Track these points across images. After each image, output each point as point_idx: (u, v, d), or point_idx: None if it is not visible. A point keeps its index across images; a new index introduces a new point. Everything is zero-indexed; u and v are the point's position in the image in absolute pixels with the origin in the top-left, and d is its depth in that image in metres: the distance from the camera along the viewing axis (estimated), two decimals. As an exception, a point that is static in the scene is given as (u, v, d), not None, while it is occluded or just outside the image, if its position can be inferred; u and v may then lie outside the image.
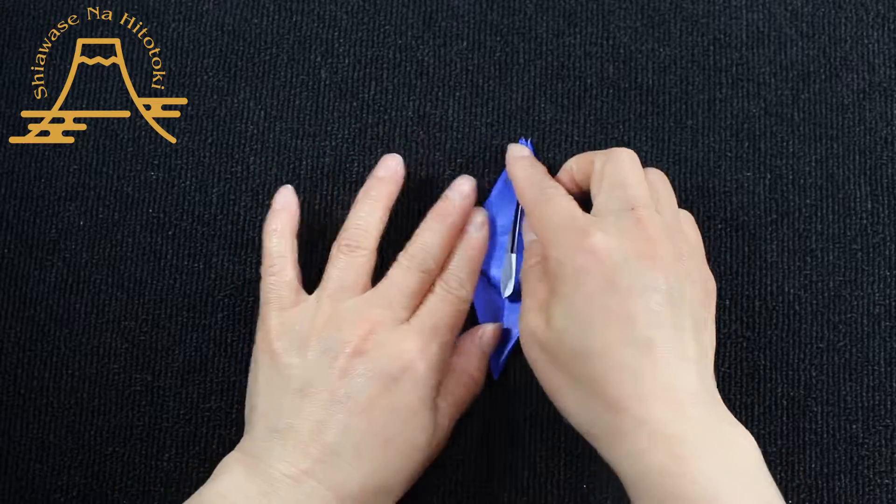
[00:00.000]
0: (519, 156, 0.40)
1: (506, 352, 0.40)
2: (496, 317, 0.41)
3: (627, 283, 0.32)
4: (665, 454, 0.30)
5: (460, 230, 0.40)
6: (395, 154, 0.41)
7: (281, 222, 0.39)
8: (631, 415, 0.31)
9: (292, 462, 0.33)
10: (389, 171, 0.40)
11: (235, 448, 0.35)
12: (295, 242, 0.39)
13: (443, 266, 0.39)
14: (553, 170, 0.42)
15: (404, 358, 0.35)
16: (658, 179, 0.37)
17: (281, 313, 0.37)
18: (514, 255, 0.40)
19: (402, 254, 0.38)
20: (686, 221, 0.38)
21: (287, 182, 0.42)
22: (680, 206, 0.42)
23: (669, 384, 0.31)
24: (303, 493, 0.33)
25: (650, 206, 0.35)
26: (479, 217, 0.40)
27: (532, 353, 0.35)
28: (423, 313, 0.37)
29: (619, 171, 0.36)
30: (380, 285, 0.38)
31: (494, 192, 0.42)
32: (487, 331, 0.40)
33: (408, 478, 0.36)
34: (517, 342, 0.40)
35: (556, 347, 0.34)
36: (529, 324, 0.35)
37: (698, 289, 0.35)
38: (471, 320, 0.40)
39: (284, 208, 0.40)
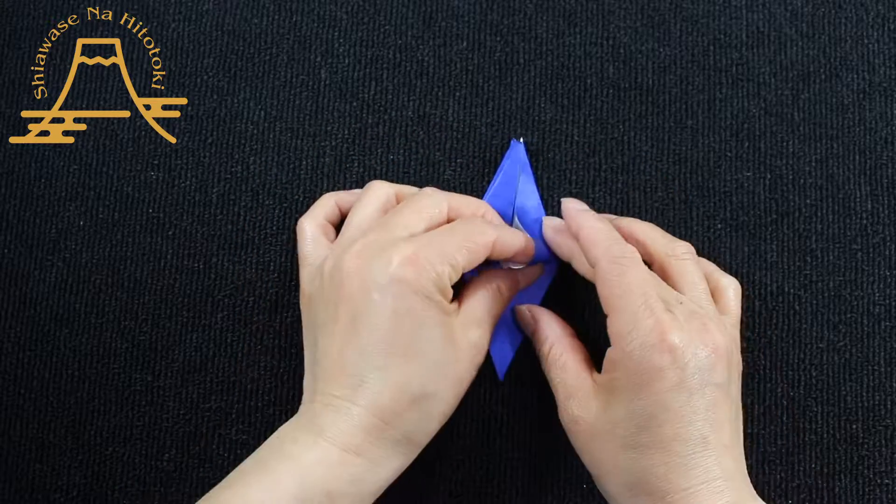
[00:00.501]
0: (580, 209, 0.39)
1: (511, 354, 0.40)
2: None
3: (694, 383, 0.33)
4: None
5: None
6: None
7: (328, 196, 0.41)
8: None
9: (327, 392, 0.34)
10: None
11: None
12: (335, 207, 0.40)
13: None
14: (553, 170, 0.42)
15: (390, 262, 0.34)
16: (711, 270, 0.39)
17: (310, 255, 0.39)
18: None
19: (403, 202, 0.38)
20: (731, 291, 0.38)
21: (286, 182, 0.42)
22: (679, 207, 0.42)
23: (714, 475, 0.33)
24: (343, 415, 0.33)
25: (708, 306, 0.36)
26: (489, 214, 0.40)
27: (575, 439, 0.36)
28: (430, 232, 0.36)
29: (687, 273, 0.37)
30: (384, 216, 0.38)
31: (491, 188, 0.42)
32: (531, 269, 0.40)
33: (445, 382, 0.35)
34: (519, 345, 0.40)
35: (604, 437, 0.34)
36: (573, 412, 0.35)
37: (737, 373, 0.36)
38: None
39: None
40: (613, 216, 0.41)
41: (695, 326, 0.34)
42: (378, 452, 0.34)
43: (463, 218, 0.38)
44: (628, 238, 0.38)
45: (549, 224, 0.40)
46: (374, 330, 0.34)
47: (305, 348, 0.38)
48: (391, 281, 0.34)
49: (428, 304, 0.34)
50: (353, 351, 0.34)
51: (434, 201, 0.37)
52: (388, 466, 0.34)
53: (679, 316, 0.34)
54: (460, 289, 0.37)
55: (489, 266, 0.39)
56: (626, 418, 0.34)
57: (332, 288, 0.35)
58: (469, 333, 0.36)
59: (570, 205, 0.39)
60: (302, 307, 0.38)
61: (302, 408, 0.36)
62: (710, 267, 0.39)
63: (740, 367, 0.36)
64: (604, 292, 0.35)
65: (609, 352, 0.35)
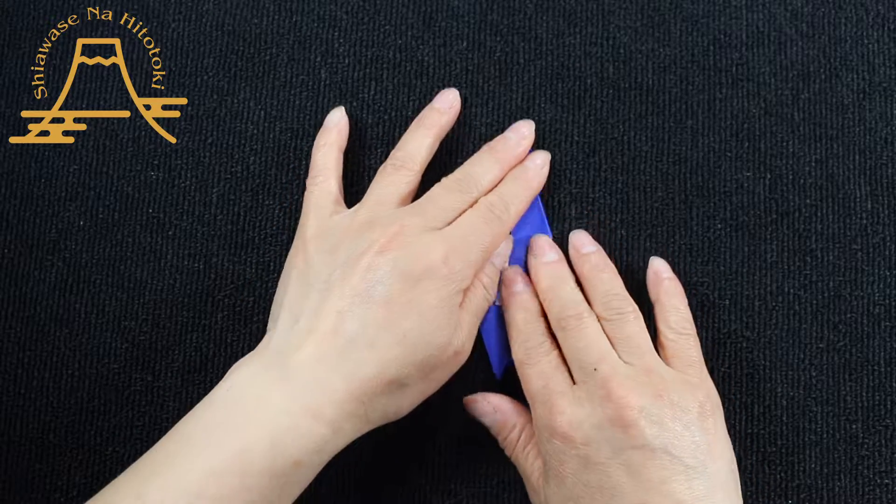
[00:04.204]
0: (514, 292, 0.39)
1: (509, 355, 0.40)
2: (488, 319, 0.40)
3: (604, 455, 0.33)
4: None
5: (513, 168, 0.40)
6: (453, 88, 0.42)
7: (330, 137, 0.41)
8: None
9: (309, 351, 0.34)
10: (446, 104, 0.41)
11: (251, 353, 0.36)
12: (341, 158, 0.41)
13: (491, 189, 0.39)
14: (553, 170, 0.42)
15: (428, 259, 0.35)
16: (631, 323, 0.37)
17: (319, 219, 0.38)
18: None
19: (447, 177, 0.39)
20: (680, 342, 0.37)
21: (287, 182, 0.42)
22: (679, 207, 0.42)
23: None
24: (315, 379, 0.33)
25: (610, 360, 0.35)
26: (540, 157, 0.40)
27: None
28: (457, 224, 0.37)
29: (579, 337, 0.37)
30: (419, 199, 0.38)
31: None
32: (503, 247, 0.40)
33: (423, 377, 0.36)
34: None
35: None
36: (531, 498, 0.37)
37: (690, 416, 0.34)
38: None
39: (336, 125, 0.41)
40: (595, 254, 0.40)
41: (597, 398, 0.34)
42: (343, 425, 0.34)
43: (490, 202, 0.38)
44: (584, 283, 0.39)
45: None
46: (384, 309, 0.34)
47: (288, 296, 0.36)
48: (417, 279, 0.34)
49: (440, 310, 0.35)
50: (354, 319, 0.34)
51: (473, 188, 0.38)
52: (345, 438, 0.34)
53: (581, 392, 0.35)
54: None
55: None
56: (562, 502, 0.34)
57: (352, 254, 0.35)
58: (461, 338, 0.36)
59: (535, 250, 0.40)
60: (297, 259, 0.37)
61: (270, 355, 0.35)
62: (671, 317, 0.38)
63: (702, 410, 0.34)
64: (522, 381, 0.37)
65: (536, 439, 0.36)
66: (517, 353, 0.38)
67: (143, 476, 0.32)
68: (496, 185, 0.39)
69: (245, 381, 0.34)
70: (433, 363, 0.35)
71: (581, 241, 0.40)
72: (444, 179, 0.39)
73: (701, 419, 0.34)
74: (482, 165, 0.39)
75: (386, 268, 0.35)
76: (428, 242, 0.35)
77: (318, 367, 0.33)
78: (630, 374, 0.35)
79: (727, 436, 0.35)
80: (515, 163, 0.40)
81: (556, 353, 0.37)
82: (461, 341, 0.36)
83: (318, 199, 0.39)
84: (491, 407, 0.39)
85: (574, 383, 0.36)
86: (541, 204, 0.42)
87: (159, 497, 0.31)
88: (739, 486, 0.35)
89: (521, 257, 0.40)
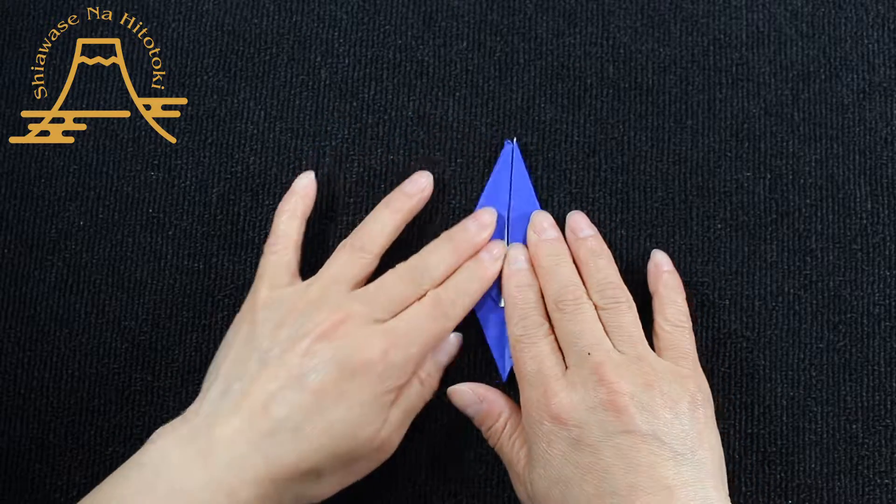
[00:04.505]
0: (515, 269, 0.39)
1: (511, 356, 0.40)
2: (492, 320, 0.40)
3: (595, 437, 0.33)
4: None
5: (470, 259, 0.39)
6: (426, 172, 0.41)
7: (293, 205, 0.40)
8: None
9: (235, 426, 0.34)
10: (416, 188, 0.41)
11: (179, 417, 0.35)
12: (303, 227, 0.40)
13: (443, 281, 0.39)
14: (553, 170, 0.42)
15: (366, 353, 0.35)
16: (624, 312, 0.37)
17: (272, 290, 0.38)
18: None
19: (402, 263, 0.39)
20: (675, 333, 0.38)
21: (287, 182, 0.42)
22: (679, 207, 0.42)
23: None
24: (238, 457, 0.33)
25: (604, 347, 0.36)
26: (497, 249, 0.40)
27: None
28: (402, 318, 0.37)
29: (576, 321, 0.37)
30: (370, 285, 0.38)
31: (486, 191, 0.42)
32: (448, 342, 0.40)
33: (343, 468, 0.36)
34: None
35: None
36: (518, 493, 0.37)
37: (681, 405, 0.34)
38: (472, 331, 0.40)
39: (301, 193, 0.41)
40: (591, 238, 0.40)
41: (590, 382, 0.34)
42: None
43: (439, 298, 0.37)
44: (580, 267, 0.39)
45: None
46: (313, 399, 0.34)
47: (228, 361, 0.36)
48: (352, 371, 0.35)
49: (372, 405, 0.35)
50: (283, 403, 0.34)
51: (426, 279, 0.38)
52: None
53: (574, 376, 0.35)
54: None
55: None
56: (552, 487, 0.34)
57: (293, 332, 0.35)
58: (391, 436, 0.36)
59: (510, 258, 0.40)
60: (244, 320, 0.37)
61: (196, 422, 0.34)
62: (664, 300, 0.38)
63: (693, 400, 0.35)
64: (515, 367, 0.38)
65: (522, 427, 0.36)
66: (513, 330, 0.38)
67: None
68: (449, 275, 0.39)
69: (168, 449, 0.34)
70: (355, 456, 0.36)
71: (578, 223, 0.40)
72: (399, 266, 0.38)
73: (691, 409, 0.35)
74: (438, 254, 0.39)
75: (324, 356, 0.35)
76: (369, 336, 0.35)
77: (240, 444, 0.33)
78: (622, 361, 0.35)
79: (716, 427, 0.36)
80: (473, 252, 0.39)
81: (552, 336, 0.37)
82: (387, 435, 0.36)
83: (274, 267, 0.38)
84: (476, 397, 0.39)
85: (566, 367, 0.36)
86: (537, 205, 0.42)
87: None
88: (726, 477, 0.35)
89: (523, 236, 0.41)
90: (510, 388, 0.41)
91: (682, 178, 0.42)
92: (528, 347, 0.37)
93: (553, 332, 0.38)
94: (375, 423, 0.35)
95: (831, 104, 0.43)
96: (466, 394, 0.39)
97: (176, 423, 0.35)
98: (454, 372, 0.41)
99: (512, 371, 0.40)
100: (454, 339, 0.40)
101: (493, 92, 0.43)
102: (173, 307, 0.42)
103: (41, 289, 0.42)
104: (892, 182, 0.42)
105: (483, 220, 0.40)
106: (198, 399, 0.36)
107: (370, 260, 0.38)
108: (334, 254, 0.39)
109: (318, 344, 0.35)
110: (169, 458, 0.33)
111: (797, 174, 0.42)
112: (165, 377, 0.42)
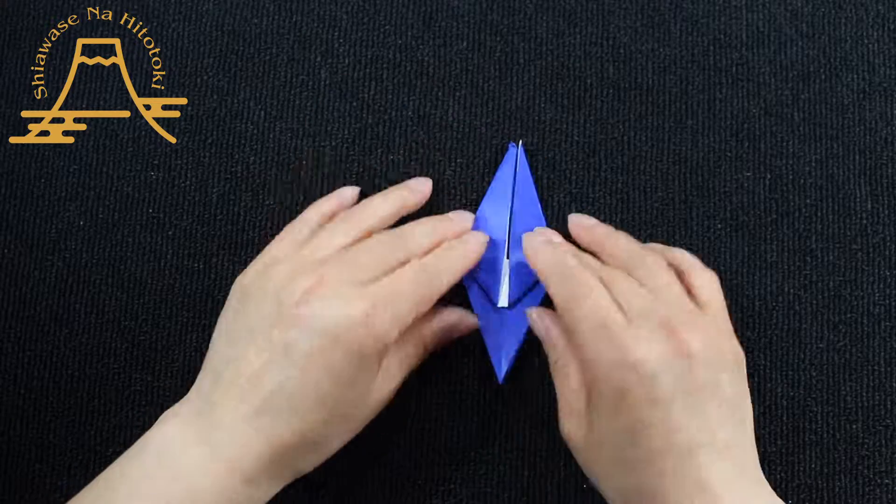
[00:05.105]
0: (540, 242, 0.38)
1: (511, 358, 0.40)
2: (490, 322, 0.40)
3: (668, 393, 0.33)
4: None
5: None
6: (428, 179, 0.42)
7: (334, 198, 0.41)
8: None
9: (231, 407, 0.34)
10: (417, 185, 0.41)
11: (181, 401, 0.35)
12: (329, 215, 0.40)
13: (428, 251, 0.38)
14: (553, 170, 0.42)
15: (347, 315, 0.34)
16: (653, 264, 0.37)
17: (272, 260, 0.37)
18: (507, 261, 0.40)
19: (386, 231, 0.38)
20: (706, 284, 0.37)
21: (286, 182, 0.42)
22: (679, 207, 0.42)
23: (708, 482, 0.32)
24: (234, 435, 0.33)
25: (662, 300, 0.35)
26: (483, 236, 0.40)
27: (573, 452, 0.36)
28: (386, 282, 0.36)
29: (657, 277, 0.36)
30: (351, 248, 0.37)
31: (489, 192, 0.42)
32: (466, 321, 0.40)
33: (344, 435, 0.36)
34: (520, 348, 0.40)
35: (596, 453, 0.35)
36: (568, 429, 0.36)
37: (731, 369, 0.35)
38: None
39: (343, 195, 0.41)
40: (599, 225, 0.40)
41: (661, 335, 0.33)
42: (264, 482, 0.34)
43: (419, 267, 0.37)
44: (600, 250, 0.39)
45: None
46: (302, 373, 0.34)
47: (223, 336, 0.36)
48: (339, 340, 0.34)
49: (362, 370, 0.35)
50: (274, 379, 0.34)
51: (411, 245, 0.37)
52: (268, 492, 0.35)
53: (642, 328, 0.34)
54: None
55: None
56: (611, 437, 0.34)
57: (276, 304, 0.35)
58: (380, 392, 0.36)
59: (529, 242, 0.39)
60: (238, 290, 0.37)
61: (197, 403, 0.35)
62: (686, 263, 0.38)
63: (738, 360, 0.35)
64: (568, 324, 0.35)
65: (584, 374, 0.35)
66: (562, 292, 0.36)
67: None
68: (432, 251, 0.38)
69: (170, 434, 0.34)
70: (350, 417, 0.35)
71: (581, 219, 0.41)
72: (383, 232, 0.38)
73: (737, 367, 0.35)
74: (423, 228, 0.39)
75: (305, 324, 0.34)
76: (350, 297, 0.34)
77: (237, 423, 0.33)
78: (688, 319, 0.35)
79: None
80: (454, 238, 0.39)
81: (605, 289, 0.36)
82: (380, 395, 0.36)
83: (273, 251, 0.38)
84: (542, 324, 0.38)
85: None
86: (539, 208, 0.42)
87: None
88: None
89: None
90: (508, 391, 0.41)
91: (682, 178, 0.42)
92: (584, 300, 0.35)
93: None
94: (364, 383, 0.35)
95: (831, 104, 0.43)
96: (535, 320, 0.38)
97: (178, 406, 0.35)
98: (450, 374, 0.41)
99: (508, 374, 0.40)
100: (468, 317, 0.40)
101: (493, 92, 0.43)
102: (173, 307, 0.42)
103: (41, 289, 0.42)
104: (892, 182, 0.42)
105: (464, 216, 0.41)
106: (197, 381, 0.36)
107: (355, 234, 0.38)
108: (324, 226, 0.39)
109: (296, 311, 0.34)
110: (172, 441, 0.33)
111: (797, 174, 0.42)
112: (165, 377, 0.42)
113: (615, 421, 0.33)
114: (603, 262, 0.38)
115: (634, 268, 0.37)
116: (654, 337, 0.33)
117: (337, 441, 0.36)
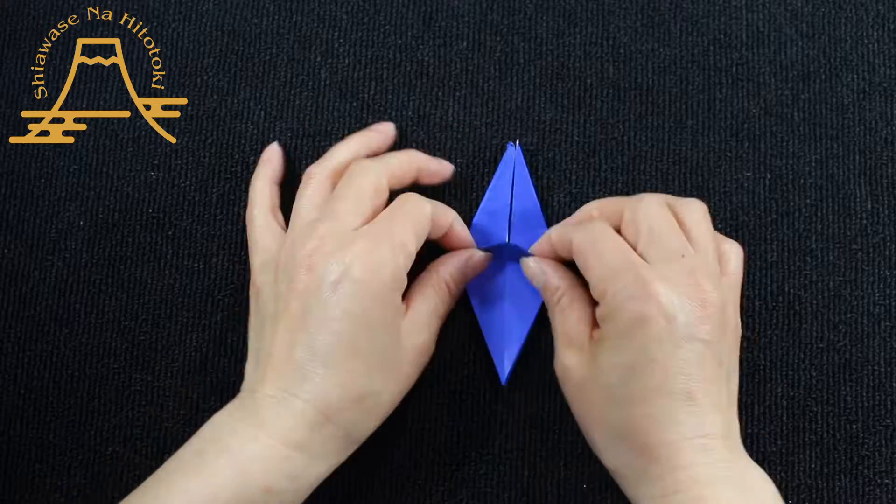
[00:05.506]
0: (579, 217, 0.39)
1: (513, 359, 0.40)
2: (491, 323, 0.40)
3: (680, 334, 0.33)
4: (692, 496, 0.32)
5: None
6: (391, 123, 0.42)
7: (262, 172, 0.41)
8: (663, 462, 0.32)
9: (272, 384, 0.34)
10: (383, 127, 0.42)
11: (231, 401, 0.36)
12: (276, 190, 0.41)
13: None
14: (553, 170, 0.42)
15: (344, 262, 0.34)
16: (700, 218, 0.37)
17: (262, 254, 0.38)
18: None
19: (353, 162, 0.39)
20: (733, 255, 0.38)
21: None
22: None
23: (702, 432, 0.32)
24: (287, 409, 0.33)
25: (696, 255, 0.35)
26: (390, 127, 0.42)
27: (566, 389, 0.36)
28: (379, 218, 0.36)
29: (655, 220, 0.36)
30: (335, 189, 0.38)
31: (489, 192, 0.42)
32: (477, 255, 0.40)
33: (391, 386, 0.36)
34: (521, 348, 0.40)
35: (592, 388, 0.35)
36: (565, 361, 0.36)
37: (733, 336, 0.35)
38: (465, 328, 0.40)
39: (265, 158, 0.42)
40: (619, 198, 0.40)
41: (685, 281, 0.34)
42: (317, 448, 0.34)
43: (400, 198, 0.37)
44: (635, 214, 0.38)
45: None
46: (325, 328, 0.34)
47: (251, 335, 0.37)
48: (346, 281, 0.34)
49: (380, 306, 0.35)
50: (301, 346, 0.34)
51: (373, 177, 0.37)
52: (326, 462, 0.35)
53: (668, 270, 0.34)
54: (408, 286, 0.37)
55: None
56: (612, 370, 0.34)
57: (285, 281, 0.35)
58: (415, 337, 0.37)
59: (529, 264, 0.39)
60: (251, 294, 0.38)
61: (242, 395, 0.35)
62: (712, 232, 0.38)
63: (737, 333, 0.36)
64: (588, 263, 0.35)
65: (597, 310, 0.35)
66: (576, 235, 0.36)
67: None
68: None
69: (219, 421, 0.35)
70: (389, 365, 0.35)
71: (582, 209, 0.40)
72: (343, 179, 0.38)
73: (735, 340, 0.36)
74: (398, 158, 0.39)
75: (313, 287, 0.34)
76: (345, 246, 0.35)
77: (280, 396, 0.34)
78: (712, 273, 0.35)
79: None
80: (380, 138, 0.41)
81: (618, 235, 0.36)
82: (416, 341, 0.36)
83: (258, 233, 0.39)
84: (540, 271, 0.38)
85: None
86: (539, 207, 0.42)
87: None
88: None
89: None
90: (508, 391, 0.41)
91: (682, 178, 0.42)
92: (601, 241, 0.35)
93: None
94: (391, 323, 0.35)
95: (831, 104, 0.43)
96: (532, 267, 0.39)
97: (229, 404, 0.35)
98: (450, 374, 0.41)
99: (511, 374, 0.40)
100: (486, 258, 0.40)
101: (493, 92, 0.43)
102: (173, 307, 0.42)
103: (41, 289, 0.42)
104: (892, 182, 0.42)
105: (385, 125, 0.42)
106: (243, 384, 0.37)
107: (322, 183, 0.38)
108: (300, 188, 0.39)
109: (305, 278, 0.34)
110: (222, 424, 0.34)
111: (797, 174, 0.42)
112: (165, 377, 0.42)
113: (620, 354, 0.34)
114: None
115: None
116: (679, 280, 0.34)
117: (386, 395, 0.36)
